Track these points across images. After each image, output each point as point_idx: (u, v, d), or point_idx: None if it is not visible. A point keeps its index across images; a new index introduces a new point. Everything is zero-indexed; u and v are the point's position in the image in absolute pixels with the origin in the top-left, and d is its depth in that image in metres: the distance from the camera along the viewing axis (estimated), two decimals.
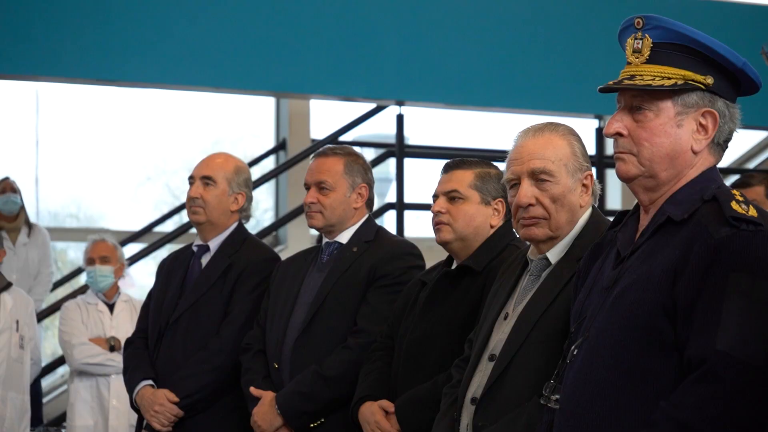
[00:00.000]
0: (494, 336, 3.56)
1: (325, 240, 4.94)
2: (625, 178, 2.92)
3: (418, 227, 9.85)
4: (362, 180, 4.87)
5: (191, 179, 5.25)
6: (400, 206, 8.91)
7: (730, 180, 7.84)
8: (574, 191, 3.58)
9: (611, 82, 2.90)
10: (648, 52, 2.85)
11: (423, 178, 9.71)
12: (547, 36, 8.90)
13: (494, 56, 8.70)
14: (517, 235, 4.16)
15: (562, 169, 3.56)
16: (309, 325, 4.68)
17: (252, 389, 4.71)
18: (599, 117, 9.64)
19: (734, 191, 2.80)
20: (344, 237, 4.86)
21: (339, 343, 4.63)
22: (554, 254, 3.58)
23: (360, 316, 4.63)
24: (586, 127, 9.43)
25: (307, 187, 4.88)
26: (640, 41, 2.87)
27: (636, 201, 2.99)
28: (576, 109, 9.06)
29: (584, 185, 3.61)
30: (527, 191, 3.56)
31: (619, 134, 2.88)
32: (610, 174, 9.94)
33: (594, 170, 3.70)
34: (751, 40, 9.08)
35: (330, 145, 5.10)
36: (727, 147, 2.98)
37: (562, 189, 3.56)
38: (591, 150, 4.04)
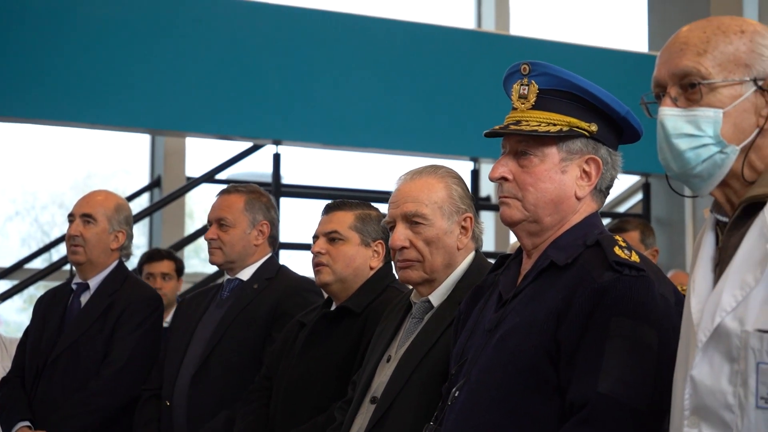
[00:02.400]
0: (377, 378, 3.56)
1: (226, 277, 4.93)
2: (509, 223, 2.94)
3: (293, 267, 9.81)
4: (264, 217, 4.88)
5: (71, 217, 5.16)
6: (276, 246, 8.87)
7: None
8: (450, 234, 3.59)
9: (497, 127, 2.92)
10: (534, 98, 2.89)
11: (299, 218, 9.69)
12: (424, 79, 8.95)
13: (372, 98, 8.73)
14: (397, 277, 4.17)
15: (437, 212, 3.57)
16: (206, 361, 4.63)
17: None
18: (475, 159, 9.72)
19: (617, 237, 2.84)
20: (245, 274, 4.86)
21: (237, 380, 4.58)
22: (436, 297, 3.59)
23: (267, 355, 4.58)
24: (461, 170, 9.49)
25: (210, 224, 4.90)
26: (527, 87, 2.91)
27: (508, 246, 3.02)
28: (452, 151, 9.12)
29: (463, 227, 3.62)
30: (400, 234, 3.58)
31: (504, 179, 2.90)
32: (485, 216, 10.03)
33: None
34: (634, 88, 9.30)
35: (235, 184, 5.09)
36: (608, 193, 3.03)
37: (436, 232, 3.56)
38: None
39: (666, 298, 2.72)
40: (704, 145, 2.30)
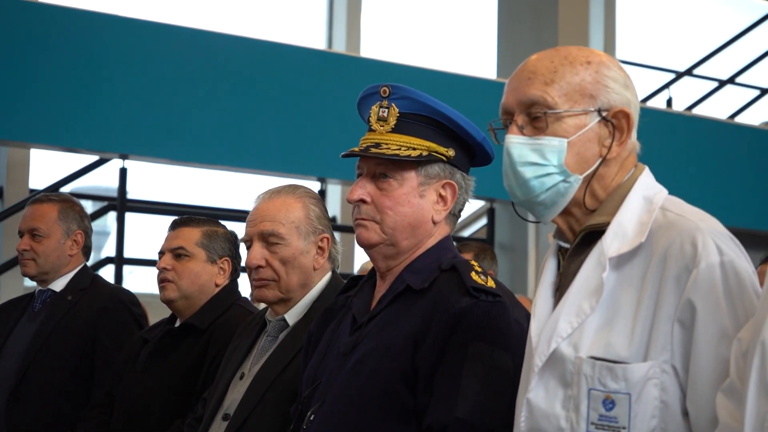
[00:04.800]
0: (229, 395, 3.53)
1: (38, 288, 4.80)
2: (366, 245, 2.94)
3: (136, 283, 9.69)
4: (78, 227, 4.79)
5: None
6: (120, 261, 8.74)
7: None
8: (306, 254, 3.58)
9: (357, 149, 2.91)
10: (394, 122, 2.89)
11: (145, 234, 9.57)
12: (272, 97, 8.90)
13: (221, 115, 8.65)
14: (244, 295, 4.16)
15: (294, 232, 3.56)
16: (23, 379, 4.51)
17: None
18: (322, 180, 9.72)
19: (472, 262, 2.87)
20: (58, 285, 4.77)
21: (57, 396, 4.47)
22: (292, 316, 3.58)
23: (104, 371, 4.49)
24: None
25: (21, 234, 4.77)
26: (386, 110, 2.91)
27: (353, 267, 3.02)
28: (299, 171, 9.09)
29: (320, 248, 3.61)
30: (257, 253, 3.56)
31: (363, 201, 2.90)
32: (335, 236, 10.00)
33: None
34: (481, 114, 9.40)
35: (46, 193, 4.98)
36: (460, 216, 3.05)
37: (292, 251, 3.55)
38: None
39: (520, 324, 2.75)
40: (549, 174, 2.33)
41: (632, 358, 2.20)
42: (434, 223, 2.93)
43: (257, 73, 8.93)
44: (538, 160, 2.33)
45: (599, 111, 2.35)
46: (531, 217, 2.50)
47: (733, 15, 14.50)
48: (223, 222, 4.42)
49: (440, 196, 2.93)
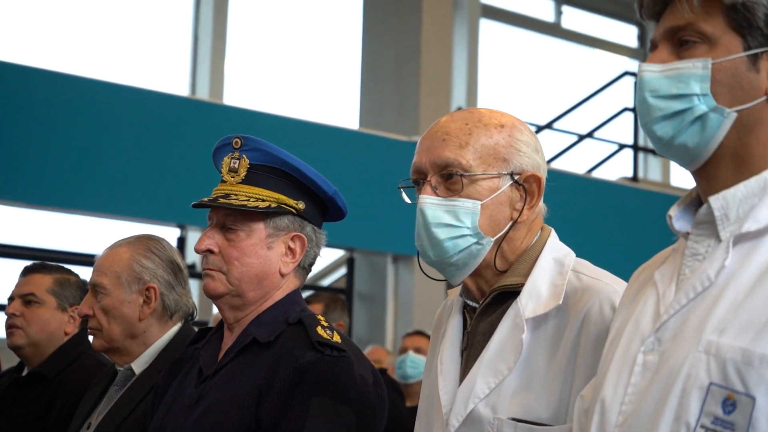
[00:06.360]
0: None
1: None
2: (212, 295, 2.93)
3: None
4: None
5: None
6: None
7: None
8: (129, 304, 3.53)
9: (206, 199, 2.91)
10: (244, 173, 2.90)
11: None
12: (134, 142, 8.81)
13: (79, 158, 8.53)
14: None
15: (115, 282, 3.53)
16: None
17: None
18: (182, 226, 9.65)
19: (319, 316, 2.87)
20: None
21: None
22: (138, 365, 3.54)
23: None
24: (168, 236, 9.38)
25: None
26: (237, 161, 2.91)
27: (211, 315, 3.01)
28: (159, 217, 9.01)
29: (147, 298, 3.57)
30: (85, 302, 3.56)
31: (210, 251, 2.89)
32: (194, 284, 9.93)
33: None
34: (344, 163, 9.45)
35: None
36: (310, 270, 3.06)
37: (113, 301, 3.52)
38: None
39: (365, 379, 2.76)
40: (462, 236, 2.37)
41: (552, 420, 2.24)
42: (282, 275, 2.93)
43: (119, 117, 8.85)
44: (452, 221, 2.36)
45: (512, 174, 2.40)
46: (440, 276, 2.51)
47: (594, 71, 14.85)
48: (80, 267, 4.36)
49: (289, 248, 2.93)
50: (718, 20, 1.87)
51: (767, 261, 1.79)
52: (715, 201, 1.87)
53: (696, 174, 1.94)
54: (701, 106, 1.86)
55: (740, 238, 1.83)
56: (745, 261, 1.81)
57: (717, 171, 1.89)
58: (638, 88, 1.92)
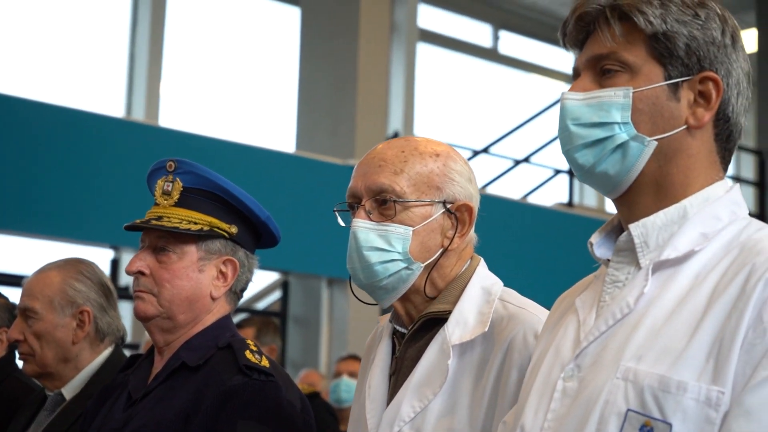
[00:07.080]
0: None
1: None
2: (142, 317, 2.92)
3: None
4: None
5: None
6: None
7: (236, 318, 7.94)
8: (63, 328, 3.50)
9: (138, 221, 2.91)
10: (178, 196, 2.90)
11: None
12: (67, 163, 8.73)
13: (11, 178, 8.45)
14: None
15: (47, 306, 3.50)
16: None
17: None
18: (115, 248, 9.58)
19: (249, 341, 2.88)
20: None
21: None
22: (69, 390, 3.50)
23: None
24: (101, 257, 9.33)
25: None
26: (171, 184, 2.92)
27: (144, 337, 3.00)
28: (92, 238, 8.94)
29: (81, 321, 3.54)
30: (14, 328, 3.52)
31: (141, 273, 2.89)
32: (124, 307, 9.85)
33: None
34: (280, 187, 9.45)
35: None
36: (242, 296, 3.07)
37: (45, 326, 3.49)
38: None
39: (292, 404, 2.77)
40: (393, 260, 2.41)
41: None
42: (213, 299, 2.93)
43: (53, 137, 8.78)
44: (383, 245, 2.40)
45: (444, 203, 2.45)
46: (371, 300, 2.55)
47: (530, 96, 14.98)
48: (8, 288, 4.30)
49: (221, 272, 2.94)
50: (639, 49, 1.91)
51: (685, 288, 1.83)
52: (635, 228, 1.91)
53: (617, 202, 1.98)
54: (622, 135, 1.89)
55: (659, 266, 1.87)
56: (664, 288, 1.84)
57: (638, 199, 1.93)
58: (560, 115, 1.96)
